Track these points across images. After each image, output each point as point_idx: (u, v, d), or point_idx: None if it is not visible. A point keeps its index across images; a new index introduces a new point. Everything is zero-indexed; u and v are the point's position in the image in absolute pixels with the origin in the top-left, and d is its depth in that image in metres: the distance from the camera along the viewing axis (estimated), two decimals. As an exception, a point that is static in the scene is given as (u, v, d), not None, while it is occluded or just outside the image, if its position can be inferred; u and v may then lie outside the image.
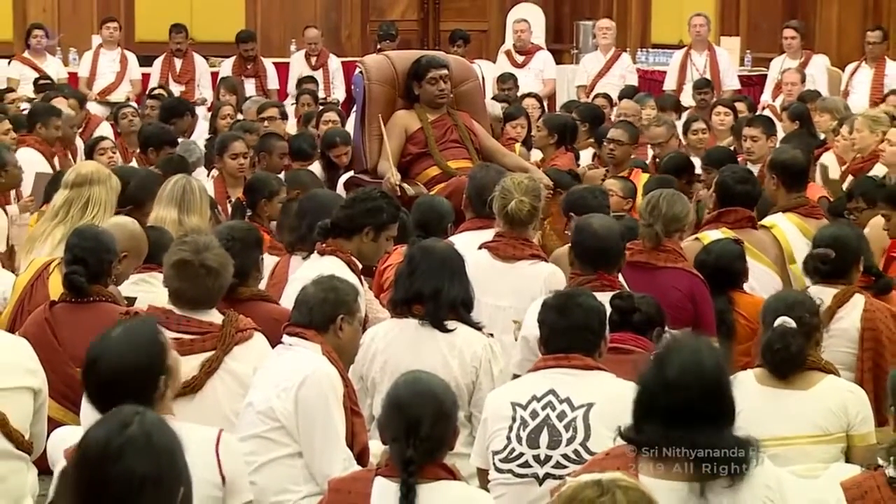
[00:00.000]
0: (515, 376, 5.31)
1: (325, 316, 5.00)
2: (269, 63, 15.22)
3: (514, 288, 6.19)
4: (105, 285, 5.91)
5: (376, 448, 5.06)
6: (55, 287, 6.13)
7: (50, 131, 9.80)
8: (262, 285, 6.46)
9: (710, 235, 6.91)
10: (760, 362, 5.04)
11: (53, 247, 6.64)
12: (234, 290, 5.63)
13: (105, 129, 11.31)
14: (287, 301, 6.13)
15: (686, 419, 3.75)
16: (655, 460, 3.78)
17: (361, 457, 4.96)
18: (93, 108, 13.01)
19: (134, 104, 12.53)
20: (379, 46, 14.52)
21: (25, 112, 11.36)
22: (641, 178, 9.19)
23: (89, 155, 9.55)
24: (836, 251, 6.07)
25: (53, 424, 5.42)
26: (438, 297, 5.46)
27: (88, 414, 5.11)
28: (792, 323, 4.94)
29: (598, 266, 5.88)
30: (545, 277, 6.18)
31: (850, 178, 9.20)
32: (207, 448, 3.99)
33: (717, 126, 11.16)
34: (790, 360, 4.95)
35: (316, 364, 4.90)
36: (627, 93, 13.06)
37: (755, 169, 9.11)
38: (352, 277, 6.02)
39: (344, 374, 5.00)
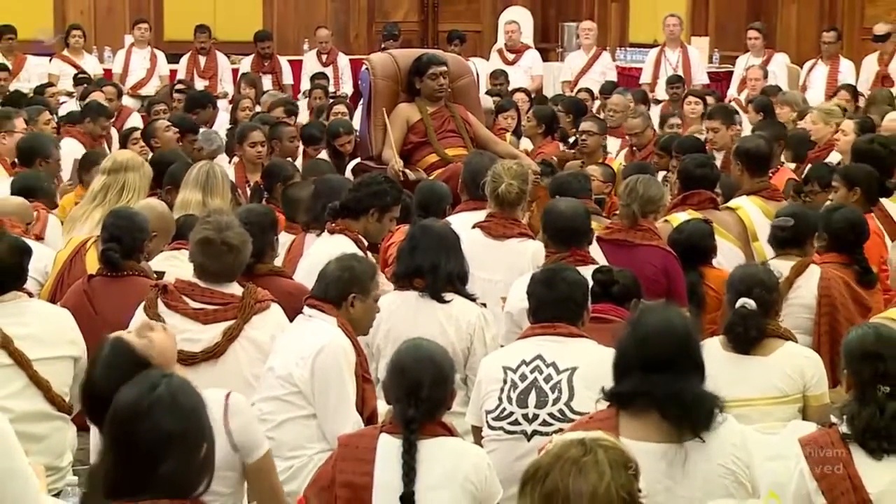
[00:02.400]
0: (501, 346, 5.31)
1: (339, 293, 4.98)
2: (284, 60, 15.20)
3: (504, 263, 6.19)
4: (137, 261, 5.91)
5: (382, 408, 5.06)
6: (91, 262, 6.14)
7: (96, 128, 9.87)
8: (280, 260, 6.46)
9: (679, 217, 6.92)
10: (724, 337, 5.05)
11: (92, 227, 6.64)
12: (251, 268, 5.62)
13: (136, 121, 11.28)
14: (302, 274, 6.14)
15: (659, 369, 3.76)
16: (635, 420, 3.78)
17: (371, 419, 4.96)
18: (125, 101, 12.97)
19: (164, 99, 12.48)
20: (383, 45, 14.48)
21: (64, 104, 11.38)
22: (615, 162, 9.21)
23: (123, 144, 9.53)
24: (796, 222, 6.09)
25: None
26: (437, 272, 5.46)
27: None
28: (752, 304, 4.94)
29: (570, 243, 5.88)
30: (532, 253, 6.18)
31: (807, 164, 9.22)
32: (216, 417, 3.90)
33: (689, 115, 11.18)
34: (749, 342, 4.95)
35: (331, 336, 4.89)
36: (607, 88, 13.05)
37: (719, 156, 9.13)
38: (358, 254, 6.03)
39: (357, 345, 4.98)
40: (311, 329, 4.94)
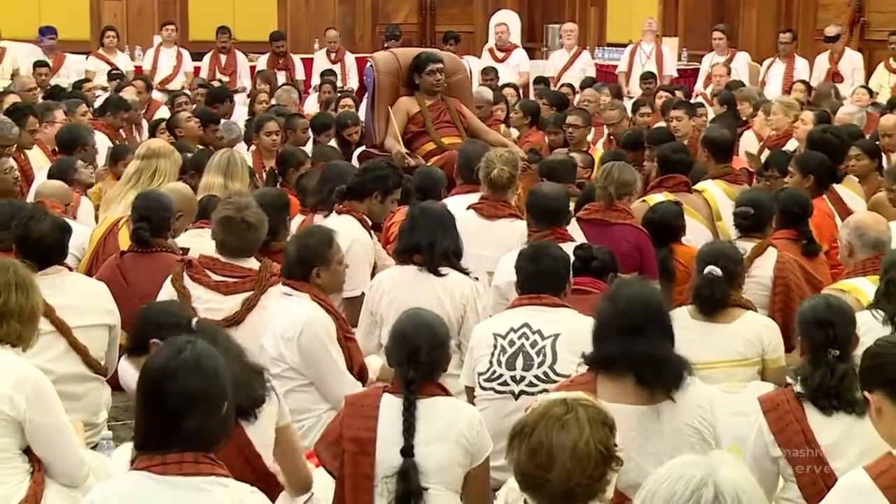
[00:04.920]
0: (490, 316, 5.29)
1: (302, 270, 4.95)
2: (296, 58, 15.17)
3: (495, 241, 6.17)
4: (165, 238, 5.90)
5: (374, 363, 5.07)
6: (124, 239, 6.13)
7: (116, 120, 9.83)
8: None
9: (655, 198, 6.92)
10: (693, 301, 5.05)
11: (126, 208, 6.63)
12: (267, 245, 5.60)
13: (164, 113, 11.26)
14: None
15: (634, 335, 3.75)
16: (612, 383, 3.77)
17: (361, 373, 4.97)
18: (154, 94, 12.95)
19: (188, 92, 12.46)
20: (386, 45, 14.43)
21: (99, 98, 11.34)
22: (597, 153, 9.18)
23: (152, 133, 9.52)
24: (754, 209, 6.08)
25: (123, 351, 5.42)
26: (434, 248, 5.44)
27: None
28: (718, 271, 4.93)
29: (551, 222, 5.87)
30: (521, 232, 6.16)
31: (766, 151, 9.23)
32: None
33: (660, 108, 11.15)
34: (715, 303, 4.94)
35: (307, 314, 4.85)
36: (587, 83, 13.03)
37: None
38: (364, 232, 6.02)
39: (333, 311, 4.95)
40: (290, 308, 4.90)
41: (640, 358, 3.73)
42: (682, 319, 4.84)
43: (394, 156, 7.95)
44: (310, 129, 9.44)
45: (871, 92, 11.67)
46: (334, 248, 5.00)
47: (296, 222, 6.63)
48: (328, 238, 5.02)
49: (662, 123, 10.08)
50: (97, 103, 10.55)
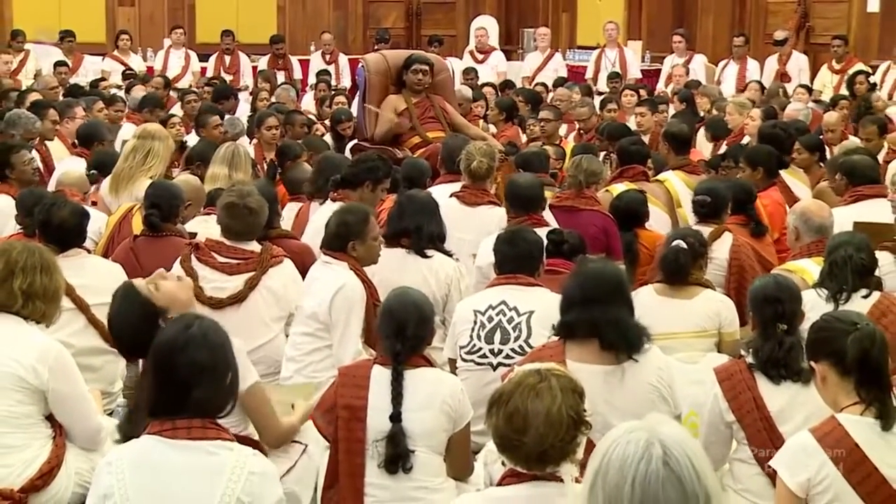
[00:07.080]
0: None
1: (340, 243, 5.02)
2: (294, 59, 15.11)
3: (475, 226, 6.16)
4: (174, 224, 5.88)
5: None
6: (137, 225, 6.11)
7: (152, 118, 9.83)
8: (290, 224, 6.44)
9: (617, 188, 6.93)
10: (658, 277, 5.06)
11: (131, 195, 6.63)
12: (266, 234, 5.59)
13: (177, 109, 11.25)
14: (308, 235, 6.12)
15: (596, 303, 3.77)
16: (579, 347, 3.79)
17: None
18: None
19: (196, 90, 12.40)
20: (376, 47, 14.37)
21: (113, 94, 11.30)
22: (569, 146, 9.18)
23: (163, 125, 9.47)
24: (711, 198, 6.09)
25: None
26: (420, 232, 5.44)
27: None
28: (684, 244, 4.97)
29: (527, 209, 5.87)
30: (499, 218, 6.16)
31: (723, 147, 9.25)
32: None
33: (626, 105, 11.17)
34: (678, 271, 4.96)
35: (345, 279, 4.92)
36: (559, 83, 13.02)
37: (645, 138, 9.13)
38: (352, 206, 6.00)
39: (366, 280, 5.00)
40: (330, 274, 4.97)
41: (602, 322, 3.76)
42: (647, 296, 4.88)
43: (393, 123, 7.92)
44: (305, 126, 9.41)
45: (810, 90, 11.76)
46: (370, 225, 5.07)
47: (289, 211, 6.62)
48: (365, 215, 5.10)
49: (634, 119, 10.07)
50: (112, 100, 10.52)
